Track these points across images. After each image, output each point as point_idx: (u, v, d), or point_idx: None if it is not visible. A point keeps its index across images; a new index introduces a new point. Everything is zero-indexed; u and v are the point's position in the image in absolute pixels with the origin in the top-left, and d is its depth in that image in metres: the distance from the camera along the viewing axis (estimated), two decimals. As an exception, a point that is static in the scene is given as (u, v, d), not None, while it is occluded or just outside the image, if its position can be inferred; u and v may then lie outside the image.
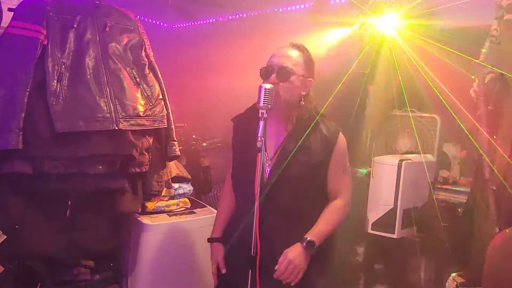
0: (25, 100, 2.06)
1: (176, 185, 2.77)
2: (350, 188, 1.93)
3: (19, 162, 2.05)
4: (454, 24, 2.56)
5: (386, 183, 2.50)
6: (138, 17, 2.66)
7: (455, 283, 2.09)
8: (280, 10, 3.49)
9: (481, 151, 2.01)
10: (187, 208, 2.79)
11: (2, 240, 2.06)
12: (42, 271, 2.28)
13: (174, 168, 2.76)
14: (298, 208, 1.81)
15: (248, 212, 1.70)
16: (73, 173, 2.15)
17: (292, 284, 1.73)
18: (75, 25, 2.28)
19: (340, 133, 1.87)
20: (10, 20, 2.24)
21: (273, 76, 1.78)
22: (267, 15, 3.57)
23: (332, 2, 3.19)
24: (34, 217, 2.18)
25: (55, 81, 2.14)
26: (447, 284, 2.15)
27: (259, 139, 1.65)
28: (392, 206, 2.47)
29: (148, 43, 2.58)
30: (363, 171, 2.87)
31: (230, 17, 3.88)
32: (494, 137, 2.00)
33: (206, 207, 2.87)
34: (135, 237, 2.53)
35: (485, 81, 2.05)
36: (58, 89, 2.13)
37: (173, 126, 2.58)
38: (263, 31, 3.25)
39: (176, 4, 3.84)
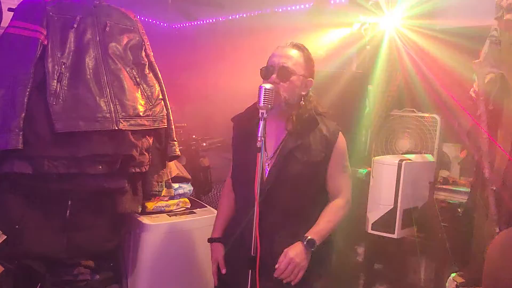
0: (25, 100, 2.06)
1: (176, 185, 2.77)
2: (350, 187, 1.93)
3: (19, 162, 2.05)
4: (454, 24, 2.56)
5: (386, 183, 2.50)
6: (138, 17, 2.65)
7: (455, 283, 2.09)
8: (280, 10, 3.50)
9: (481, 151, 2.02)
10: (187, 208, 2.79)
11: (2, 240, 2.05)
12: (42, 271, 2.28)
13: (174, 168, 2.76)
14: (298, 207, 1.81)
15: (248, 212, 1.70)
16: (73, 173, 2.15)
17: (292, 284, 1.73)
18: (75, 25, 2.28)
19: (340, 133, 1.87)
20: (10, 20, 2.24)
21: (274, 75, 1.78)
22: (267, 15, 3.57)
23: (332, 2, 3.19)
24: (34, 217, 2.18)
25: (55, 81, 2.14)
26: (447, 284, 2.15)
27: (259, 139, 1.65)
28: (392, 206, 2.47)
29: (148, 43, 2.58)
30: (363, 171, 2.87)
31: (230, 17, 3.88)
32: (494, 137, 2.01)
33: (206, 207, 2.87)
34: (135, 237, 2.53)
35: (485, 81, 2.05)
36: (58, 89, 2.13)
37: (173, 126, 2.58)
38: (263, 31, 3.25)
39: (176, 4, 3.84)
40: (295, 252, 1.72)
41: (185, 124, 3.17)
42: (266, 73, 1.80)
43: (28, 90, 2.08)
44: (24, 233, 2.15)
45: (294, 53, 1.82)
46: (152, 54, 2.58)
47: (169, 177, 2.69)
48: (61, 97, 2.13)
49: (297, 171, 1.78)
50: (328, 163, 1.83)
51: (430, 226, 2.52)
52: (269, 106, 1.67)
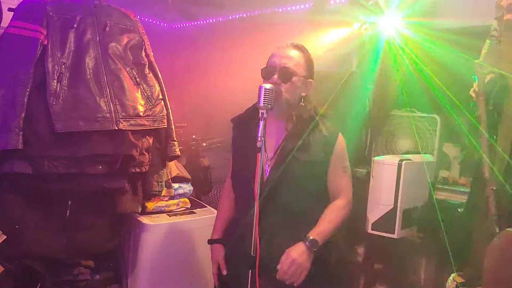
0: (25, 100, 2.07)
1: (176, 185, 2.77)
2: (351, 187, 1.93)
3: (19, 162, 2.05)
4: (454, 24, 2.56)
5: (386, 183, 2.49)
6: (138, 17, 2.66)
7: (455, 283, 2.09)
8: (280, 10, 3.49)
9: (481, 151, 2.01)
10: (187, 208, 2.79)
11: (2, 240, 2.06)
12: (42, 271, 2.28)
13: (174, 168, 2.77)
14: (298, 208, 1.81)
15: (248, 212, 1.69)
16: (73, 173, 2.15)
17: (295, 285, 1.72)
18: (75, 25, 2.28)
19: (340, 133, 1.87)
20: (10, 20, 2.24)
21: (275, 76, 1.78)
22: (267, 15, 3.57)
23: (332, 2, 3.19)
24: (34, 217, 2.19)
25: (55, 81, 2.14)
26: (447, 284, 2.15)
27: (259, 139, 1.65)
28: (392, 206, 2.47)
29: (148, 43, 2.58)
30: (363, 171, 2.86)
31: (230, 17, 3.88)
32: (494, 137, 2.00)
33: (206, 207, 2.87)
34: (135, 237, 2.53)
35: (485, 81, 2.05)
36: (58, 89, 2.14)
37: (173, 126, 2.58)
38: (263, 31, 3.25)
39: (176, 4, 3.84)
40: (297, 253, 1.71)
41: (185, 124, 3.17)
42: (267, 74, 1.80)
43: (28, 90, 2.08)
44: (24, 233, 2.16)
45: (295, 54, 1.82)
46: (152, 54, 2.59)
47: (169, 177, 2.69)
48: (61, 97, 2.13)
49: (297, 172, 1.78)
50: (328, 163, 1.83)
51: (430, 226, 2.52)
52: (269, 106, 1.67)
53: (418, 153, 2.84)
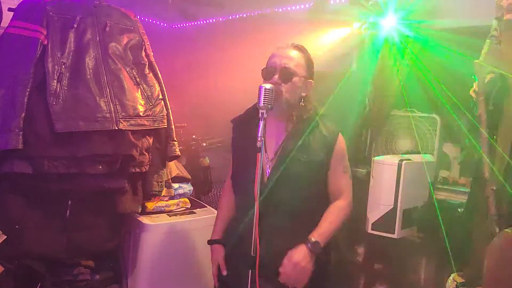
0: (25, 100, 2.06)
1: (176, 185, 2.77)
2: (351, 188, 1.93)
3: (19, 162, 2.05)
4: (454, 24, 2.56)
5: (386, 183, 2.50)
6: (138, 17, 2.66)
7: (455, 283, 2.09)
8: (280, 10, 3.49)
9: (481, 151, 2.02)
10: (187, 208, 2.79)
11: (2, 240, 2.06)
12: (42, 271, 2.28)
13: (174, 168, 2.77)
14: (298, 208, 1.80)
15: (249, 212, 1.69)
16: (73, 173, 2.15)
17: None
18: (75, 25, 2.28)
19: (340, 133, 1.87)
20: (10, 20, 2.24)
21: (276, 76, 1.78)
22: (267, 15, 3.57)
23: (332, 2, 3.19)
24: (34, 217, 2.19)
25: (55, 81, 2.14)
26: (447, 284, 2.15)
27: (259, 139, 1.65)
28: (392, 206, 2.47)
29: (148, 43, 2.58)
30: (363, 171, 2.87)
31: (230, 17, 3.88)
32: (494, 137, 2.00)
33: (206, 207, 2.87)
34: (135, 237, 2.53)
35: (485, 81, 2.05)
36: (58, 89, 2.14)
37: (173, 126, 2.58)
38: (263, 31, 3.25)
39: (176, 4, 3.84)
40: (300, 256, 1.70)
41: (185, 124, 3.17)
42: (267, 74, 1.80)
43: (28, 90, 2.08)
44: (24, 233, 2.16)
45: (295, 54, 1.82)
46: (152, 54, 2.59)
47: (169, 177, 2.69)
48: (61, 97, 2.13)
49: (297, 172, 1.78)
50: (329, 164, 1.83)
51: (430, 226, 2.52)
52: (269, 106, 1.67)
53: (418, 153, 2.84)
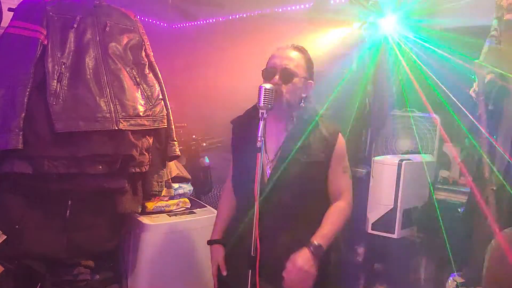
0: (25, 100, 2.06)
1: (176, 185, 2.77)
2: (351, 188, 1.93)
3: (19, 162, 2.05)
4: (454, 24, 2.56)
5: (386, 183, 2.50)
6: (138, 17, 2.66)
7: (455, 283, 2.09)
8: (280, 10, 3.49)
9: (481, 151, 2.02)
10: (187, 208, 2.79)
11: (2, 240, 2.06)
12: (42, 271, 2.28)
13: (174, 168, 2.76)
14: (298, 208, 1.80)
15: (249, 213, 1.69)
16: (73, 173, 2.15)
17: None
18: (75, 25, 2.28)
19: (340, 133, 1.87)
20: (10, 20, 2.24)
21: (276, 77, 1.77)
22: (267, 15, 3.57)
23: (332, 2, 3.19)
24: (34, 217, 2.19)
25: (55, 81, 2.14)
26: (447, 284, 2.15)
27: (259, 139, 1.65)
28: (392, 206, 2.47)
29: (148, 43, 2.58)
30: (363, 171, 2.87)
31: (230, 17, 3.88)
32: (494, 137, 2.00)
33: (206, 207, 2.87)
34: (135, 237, 2.53)
35: (485, 81, 2.05)
36: (58, 89, 2.13)
37: (173, 126, 2.58)
38: (263, 31, 3.25)
39: (176, 4, 3.84)
40: (303, 261, 1.69)
41: (185, 124, 3.17)
42: (268, 75, 1.80)
43: (28, 90, 2.08)
44: (24, 233, 2.16)
45: (295, 55, 1.82)
46: (152, 54, 2.59)
47: (169, 177, 2.69)
48: (61, 97, 2.13)
49: (298, 172, 1.78)
50: (329, 164, 1.83)
51: (430, 226, 2.52)
52: (269, 106, 1.67)
53: (418, 153, 2.85)
